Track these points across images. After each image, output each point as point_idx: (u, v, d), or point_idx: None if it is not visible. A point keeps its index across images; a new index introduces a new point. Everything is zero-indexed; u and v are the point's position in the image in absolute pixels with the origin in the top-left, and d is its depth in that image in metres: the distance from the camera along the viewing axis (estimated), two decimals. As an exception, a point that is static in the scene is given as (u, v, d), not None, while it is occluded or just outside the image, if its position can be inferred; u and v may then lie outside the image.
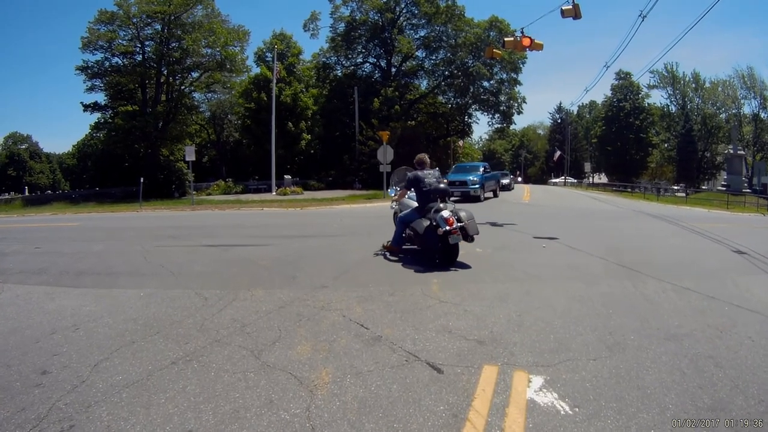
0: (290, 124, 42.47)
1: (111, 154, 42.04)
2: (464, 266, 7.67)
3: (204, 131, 56.57)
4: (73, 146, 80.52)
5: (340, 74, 52.00)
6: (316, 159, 47.16)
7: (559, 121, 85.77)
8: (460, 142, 60.08)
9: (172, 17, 37.65)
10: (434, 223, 7.66)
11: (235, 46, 40.11)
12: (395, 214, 9.96)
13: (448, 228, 7.48)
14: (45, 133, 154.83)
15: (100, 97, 41.89)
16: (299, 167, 43.70)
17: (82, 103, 40.09)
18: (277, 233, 12.77)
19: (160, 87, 39.83)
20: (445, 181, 9.32)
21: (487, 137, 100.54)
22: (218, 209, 22.66)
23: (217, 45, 38.98)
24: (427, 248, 8.01)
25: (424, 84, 53.70)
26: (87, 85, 39.71)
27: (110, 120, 41.40)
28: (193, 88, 41.38)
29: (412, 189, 8.73)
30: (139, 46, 39.32)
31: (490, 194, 26.09)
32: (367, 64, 52.41)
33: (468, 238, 7.86)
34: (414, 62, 52.29)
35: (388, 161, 27.61)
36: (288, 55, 44.67)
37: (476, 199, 22.72)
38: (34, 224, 17.66)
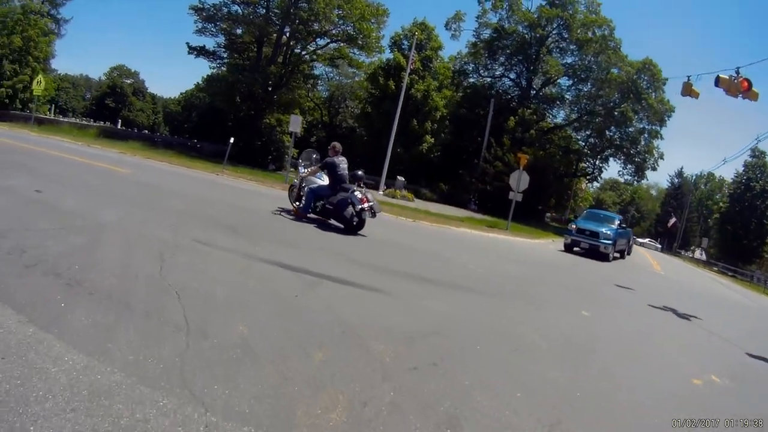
0: (415, 122, 36.56)
1: (215, 109, 37.75)
2: (363, 235, 10.20)
3: (317, 111, 52.62)
4: (181, 94, 78.38)
5: (475, 82, 46.30)
6: (432, 166, 41.09)
7: (677, 186, 79.60)
8: (584, 185, 53.13)
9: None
10: (350, 201, 10.12)
11: (372, 23, 34.63)
12: (291, 188, 12.33)
13: (362, 206, 10.04)
14: (154, 76, 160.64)
15: (210, 43, 37.50)
16: (413, 171, 37.48)
17: (188, 44, 35.40)
18: (391, 262, 8.81)
19: (279, 47, 34.69)
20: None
21: (597, 185, 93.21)
22: None
23: (352, 16, 33.56)
24: (343, 219, 10.30)
25: (561, 114, 47.47)
26: (197, 27, 35.20)
27: (217, 68, 36.96)
28: (315, 57, 35.88)
29: (325, 171, 10.76)
30: (264, -2, 34.57)
31: (617, 254, 21.39)
32: (506, 79, 46.67)
33: (374, 215, 10.49)
34: (554, 89, 46.07)
35: (521, 189, 23.51)
36: (427, 48, 39.03)
37: (604, 257, 18.52)
38: (78, 157, 16.00)
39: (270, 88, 33.19)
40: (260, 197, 15.39)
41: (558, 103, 46.49)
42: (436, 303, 6.21)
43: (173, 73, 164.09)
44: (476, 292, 7.69)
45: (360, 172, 11.29)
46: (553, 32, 44.40)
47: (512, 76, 46.31)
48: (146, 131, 52.36)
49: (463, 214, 28.02)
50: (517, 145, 37.00)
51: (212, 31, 35.46)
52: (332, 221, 10.71)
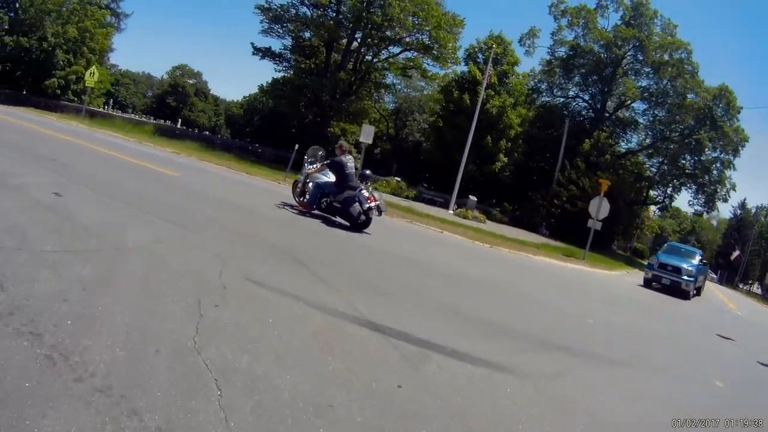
0: (489, 139, 34.26)
1: (278, 114, 36.22)
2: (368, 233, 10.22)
3: (383, 122, 50.83)
4: (244, 98, 77.41)
5: (549, 101, 44.11)
6: (503, 186, 38.76)
7: (739, 218, 76.64)
8: (652, 213, 50.39)
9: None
10: (357, 199, 10.17)
11: (448, 32, 32.60)
12: (295, 183, 11.87)
13: (369, 205, 10.18)
14: (218, 78, 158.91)
15: (276, 45, 35.97)
16: (484, 190, 35.20)
17: (253, 44, 33.96)
18: (497, 314, 6.98)
19: (349, 53, 32.99)
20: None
21: (658, 213, 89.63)
22: (386, 215, 16.15)
23: (428, 25, 31.62)
24: (350, 216, 10.30)
25: (634, 139, 44.87)
26: (263, 27, 33.74)
27: (283, 71, 35.25)
28: (387, 65, 33.90)
29: (332, 169, 10.58)
30: (334, 1, 32.86)
31: (695, 291, 20.14)
32: (579, 100, 44.12)
33: (380, 213, 10.72)
34: (627, 112, 43.51)
35: (601, 217, 22.41)
36: (503, 62, 36.81)
37: (685, 294, 17.52)
38: (123, 155, 14.48)
39: (338, 95, 31.31)
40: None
41: (631, 127, 43.85)
42: (583, 393, 4.49)
43: (236, 76, 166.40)
44: (622, 364, 6.17)
45: (368, 172, 11.60)
46: (629, 53, 42.03)
47: (586, 96, 43.85)
48: (207, 132, 50.75)
49: (536, 239, 26.31)
50: (591, 169, 34.76)
51: (279, 32, 34.09)
52: (338, 219, 10.70)
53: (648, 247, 59.22)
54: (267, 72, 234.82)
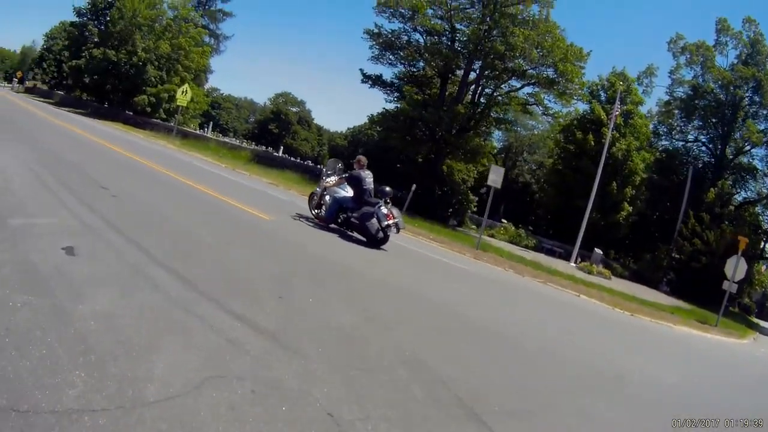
0: (614, 185, 31.43)
1: (385, 148, 33.54)
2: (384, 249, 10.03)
3: (491, 161, 48.51)
4: (348, 129, 78.55)
5: (668, 146, 41.25)
6: (623, 237, 35.81)
7: None
8: (763, 268, 46.82)
9: (498, 3, 28.66)
10: (375, 215, 9.98)
11: (574, 65, 29.90)
12: (312, 195, 11.89)
13: (387, 222, 10.02)
14: (321, 109, 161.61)
15: (387, 73, 34.05)
16: (605, 241, 32.43)
17: (362, 70, 31.83)
18: None
19: (466, 84, 30.64)
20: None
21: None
22: (515, 272, 14.87)
23: (553, 57, 29.00)
24: (367, 232, 10.14)
25: (752, 187, 41.50)
26: (373, 53, 31.70)
27: (394, 102, 33.04)
28: (507, 99, 31.36)
29: (350, 184, 10.50)
30: (449, 29, 30.57)
31: None
32: (699, 144, 40.97)
33: (398, 230, 10.53)
34: (745, 158, 40.19)
35: (737, 279, 19.70)
36: (627, 102, 34.01)
37: None
38: (206, 187, 11.94)
39: (455, 131, 28.92)
40: (467, 279, 11.36)
41: (752, 174, 40.45)
42: None
43: (339, 107, 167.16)
44: None
45: (388, 189, 10.96)
46: (747, 94, 38.84)
47: (705, 140, 40.68)
48: (309, 162, 48.90)
49: (663, 298, 24.17)
50: (715, 222, 32.00)
51: (390, 59, 31.82)
52: (354, 234, 10.50)
53: (755, 302, 55.04)
54: (371, 104, 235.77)
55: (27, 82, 71.21)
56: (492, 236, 28.18)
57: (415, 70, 32.04)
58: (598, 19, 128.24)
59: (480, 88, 30.73)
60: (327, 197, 10.73)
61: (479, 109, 29.93)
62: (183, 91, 30.15)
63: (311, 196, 11.86)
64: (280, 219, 10.74)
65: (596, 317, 11.85)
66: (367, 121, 43.55)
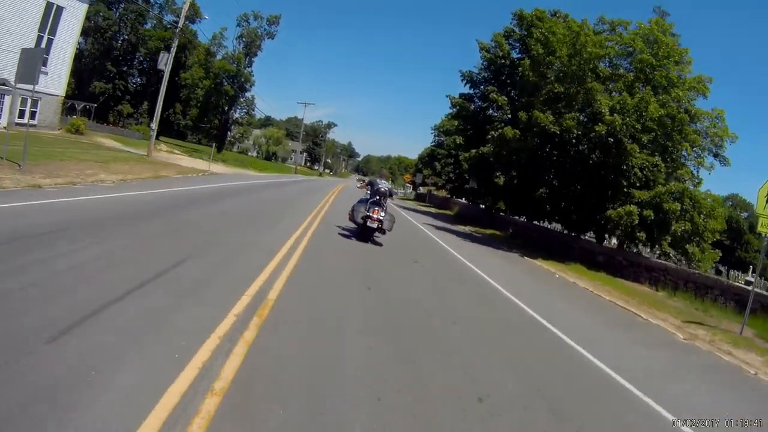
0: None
1: None
2: (377, 243, 12.37)
3: None
4: None
5: None
6: None
7: None
8: None
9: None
10: (367, 209, 12.19)
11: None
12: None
13: (368, 214, 12.01)
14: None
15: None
16: None
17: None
18: None
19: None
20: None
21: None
22: None
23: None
24: (354, 220, 12.47)
25: None
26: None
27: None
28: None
29: (370, 185, 13.37)
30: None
31: None
32: None
33: (383, 231, 12.36)
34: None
35: None
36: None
37: None
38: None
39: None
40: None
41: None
42: None
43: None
44: None
45: (383, 189, 12.92)
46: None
47: None
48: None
49: None
50: None
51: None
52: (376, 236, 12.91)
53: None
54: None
55: (421, 188, 63.12)
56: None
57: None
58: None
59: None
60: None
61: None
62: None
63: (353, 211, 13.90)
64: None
65: None
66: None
